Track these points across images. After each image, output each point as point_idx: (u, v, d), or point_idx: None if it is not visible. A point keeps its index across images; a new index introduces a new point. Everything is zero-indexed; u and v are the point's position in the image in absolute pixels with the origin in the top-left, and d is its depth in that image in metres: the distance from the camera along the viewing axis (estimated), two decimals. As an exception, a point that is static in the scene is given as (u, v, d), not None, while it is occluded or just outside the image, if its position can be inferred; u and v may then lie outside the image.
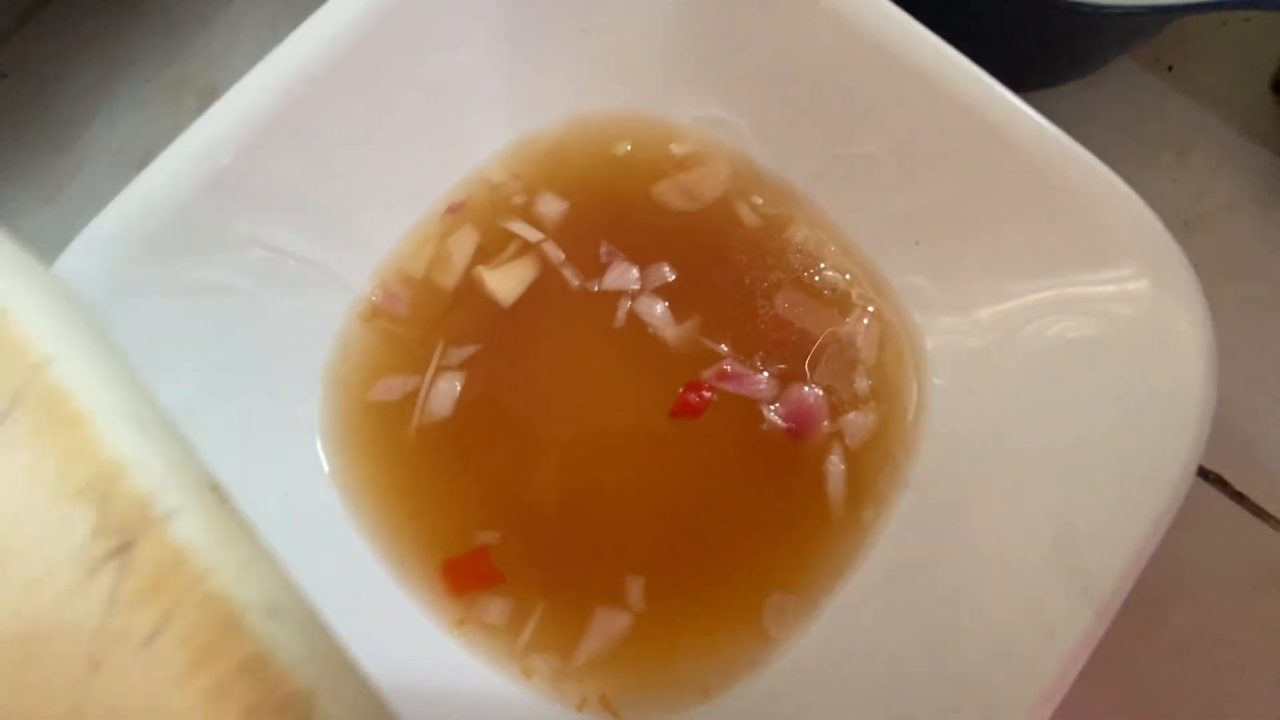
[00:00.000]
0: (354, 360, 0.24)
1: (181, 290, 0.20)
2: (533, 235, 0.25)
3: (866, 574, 0.23)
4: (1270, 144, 0.30)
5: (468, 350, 0.24)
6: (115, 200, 0.19)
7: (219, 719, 0.10)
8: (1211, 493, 0.27)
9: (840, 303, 0.25)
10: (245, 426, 0.22)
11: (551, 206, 0.26)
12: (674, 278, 0.25)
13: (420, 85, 0.23)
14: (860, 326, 0.25)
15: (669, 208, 0.26)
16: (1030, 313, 0.22)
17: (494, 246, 0.25)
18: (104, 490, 0.10)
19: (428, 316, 0.25)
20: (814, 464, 0.24)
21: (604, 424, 0.24)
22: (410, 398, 0.24)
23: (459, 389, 0.24)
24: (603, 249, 0.25)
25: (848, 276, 0.25)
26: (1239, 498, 0.27)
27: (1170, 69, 0.31)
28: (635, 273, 0.25)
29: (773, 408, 0.24)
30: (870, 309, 0.25)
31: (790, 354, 0.24)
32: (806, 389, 0.24)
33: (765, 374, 0.24)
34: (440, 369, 0.24)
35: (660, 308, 0.25)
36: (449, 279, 0.25)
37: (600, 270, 0.25)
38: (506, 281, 0.25)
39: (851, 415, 0.24)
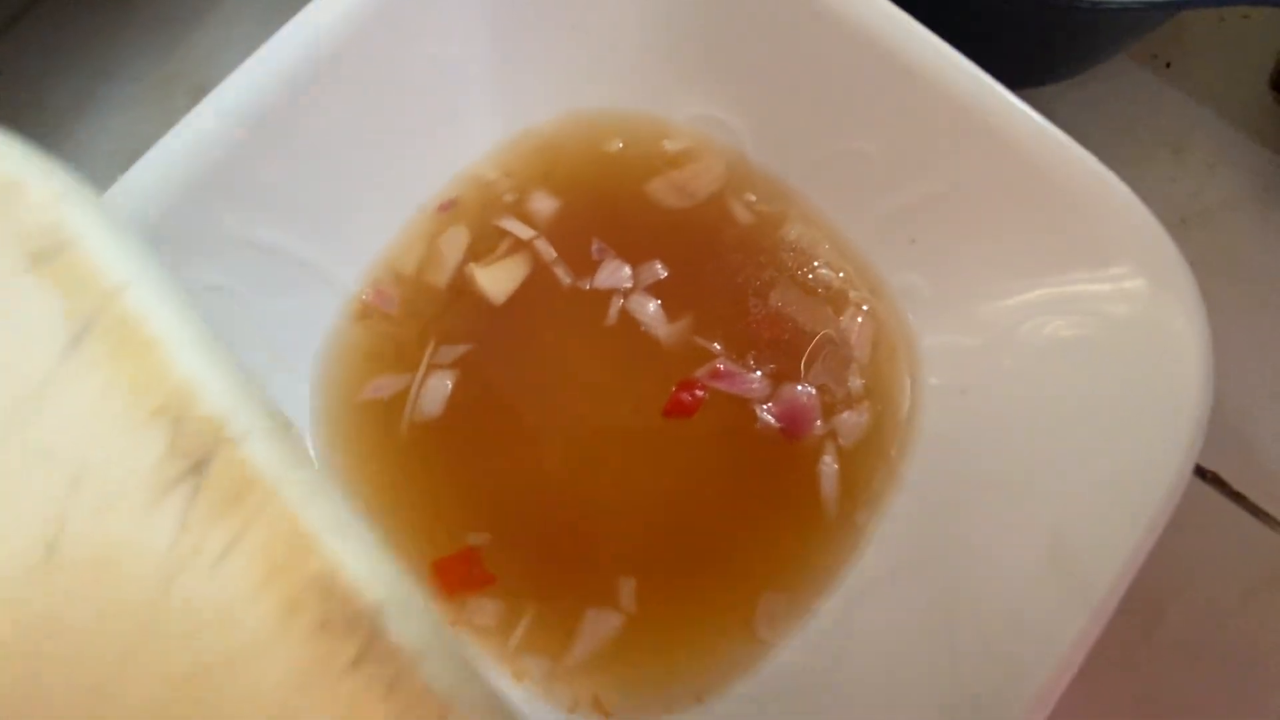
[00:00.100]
0: (345, 359, 0.24)
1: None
2: (525, 233, 0.25)
3: (860, 575, 0.22)
4: (1268, 141, 0.30)
5: (459, 349, 0.24)
6: (102, 198, 0.19)
7: (291, 633, 0.10)
8: (1209, 492, 0.27)
9: (834, 301, 0.25)
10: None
11: (543, 204, 0.25)
12: (666, 275, 0.25)
13: (410, 81, 0.23)
14: (854, 325, 0.25)
15: (662, 205, 0.26)
16: (1026, 311, 0.22)
17: (486, 244, 0.25)
18: (177, 413, 0.11)
19: (419, 315, 0.24)
20: (807, 464, 0.24)
21: (596, 423, 0.24)
22: (401, 397, 0.24)
23: (450, 388, 0.24)
24: (594, 247, 0.25)
25: (842, 275, 0.25)
26: (1237, 497, 0.27)
27: (1168, 66, 0.31)
28: (627, 271, 0.25)
29: (766, 407, 0.24)
30: (864, 307, 0.25)
31: (784, 353, 0.24)
32: (800, 388, 0.24)
33: (758, 373, 0.24)
34: (431, 367, 0.24)
35: (653, 306, 0.25)
36: (440, 277, 0.25)
37: (592, 268, 0.25)
38: (498, 280, 0.25)
39: (845, 414, 0.24)
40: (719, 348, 0.24)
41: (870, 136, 0.23)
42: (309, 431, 0.23)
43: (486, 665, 0.22)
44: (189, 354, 0.11)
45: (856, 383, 0.24)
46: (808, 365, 0.24)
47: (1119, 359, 0.20)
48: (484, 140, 0.26)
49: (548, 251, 0.25)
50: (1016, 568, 0.20)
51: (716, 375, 0.24)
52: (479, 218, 0.25)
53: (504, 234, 0.25)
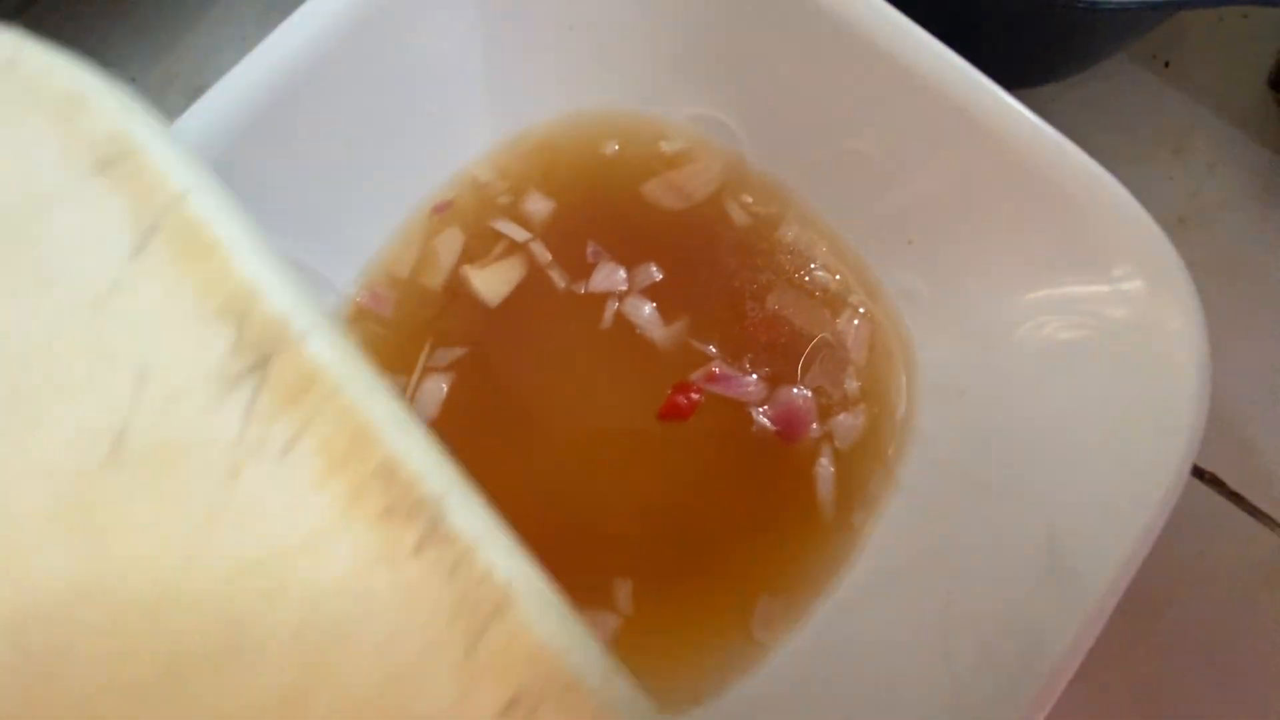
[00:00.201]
0: (340, 362, 0.24)
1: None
2: (520, 235, 0.25)
3: (856, 577, 0.22)
4: (1267, 140, 0.30)
5: (454, 352, 0.24)
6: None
7: (355, 520, 0.10)
8: (1207, 492, 0.26)
9: (831, 303, 0.25)
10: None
11: (538, 206, 0.25)
12: (662, 278, 0.25)
13: (405, 82, 0.23)
14: (851, 327, 0.24)
15: (658, 206, 0.26)
16: (1023, 313, 0.22)
17: (481, 247, 0.25)
18: (241, 311, 0.11)
19: (414, 317, 0.24)
20: (803, 466, 0.23)
21: (591, 426, 0.24)
22: (396, 400, 0.24)
23: (445, 391, 0.24)
24: (590, 249, 0.25)
25: (838, 277, 0.25)
26: (1235, 497, 0.26)
27: (1167, 65, 0.31)
28: (622, 274, 0.25)
29: (761, 410, 0.24)
30: (861, 310, 0.25)
31: (780, 355, 0.24)
32: (796, 391, 0.24)
33: (754, 376, 0.24)
34: (426, 370, 0.24)
35: (648, 309, 0.24)
36: (435, 279, 0.25)
37: (587, 271, 0.25)
38: (493, 282, 0.25)
39: (841, 417, 0.24)
40: (715, 351, 0.24)
41: (867, 137, 0.23)
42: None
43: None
44: (250, 258, 0.11)
45: (853, 385, 0.24)
46: (804, 368, 0.24)
47: (1116, 360, 0.20)
48: (479, 141, 0.26)
49: (543, 254, 0.25)
50: (1014, 570, 0.19)
51: (712, 378, 0.24)
52: (474, 220, 0.25)
53: (499, 236, 0.25)
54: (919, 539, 0.22)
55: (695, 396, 0.24)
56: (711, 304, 0.25)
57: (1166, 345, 0.19)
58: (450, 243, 0.25)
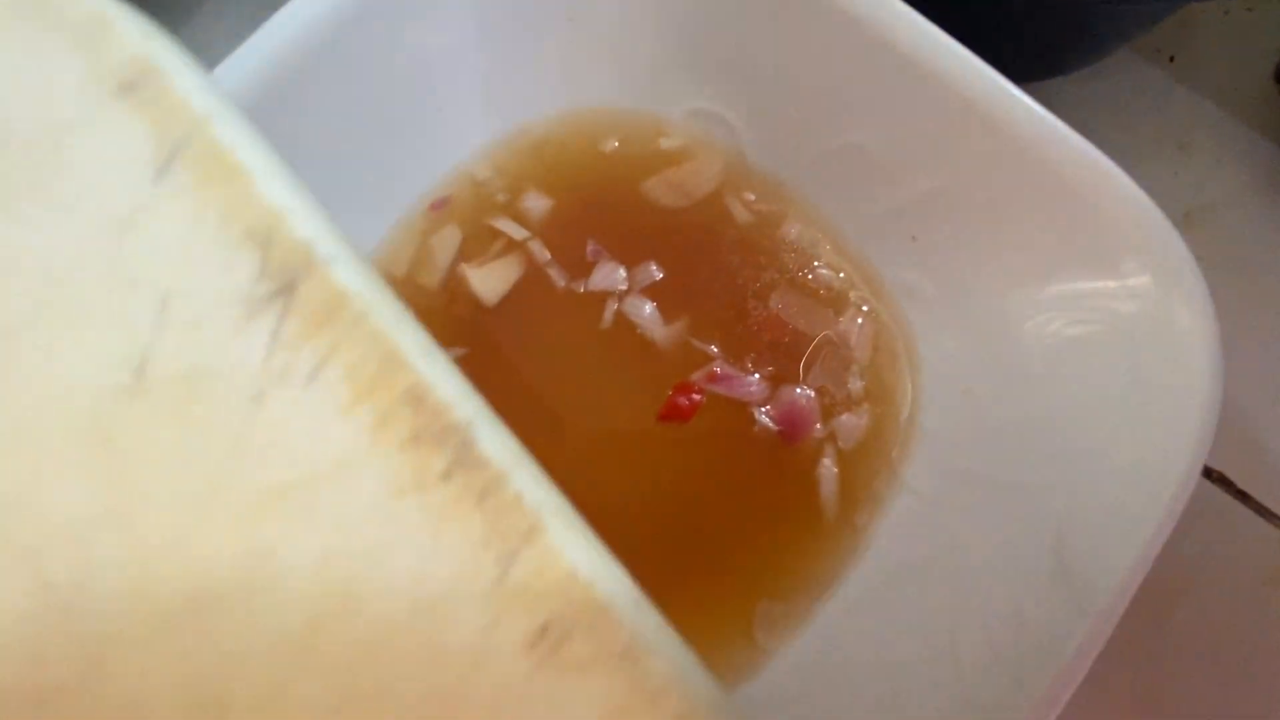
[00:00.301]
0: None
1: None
2: (518, 233, 0.25)
3: (861, 579, 0.22)
4: (1273, 135, 0.30)
5: (451, 351, 0.24)
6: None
7: (383, 446, 0.10)
8: (1214, 491, 0.26)
9: (834, 302, 0.24)
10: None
11: (537, 203, 0.25)
12: (662, 277, 0.24)
13: (400, 77, 0.23)
14: (854, 326, 0.24)
15: (658, 204, 0.25)
16: (1029, 309, 0.21)
17: (478, 245, 0.25)
18: (266, 235, 0.11)
19: (411, 317, 0.24)
20: (806, 467, 0.23)
21: (590, 428, 0.23)
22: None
23: (443, 392, 0.23)
24: (589, 248, 0.25)
25: (842, 275, 0.25)
26: (1243, 497, 0.26)
27: (1172, 60, 0.31)
28: (622, 273, 0.24)
29: (764, 410, 0.24)
30: (865, 308, 0.24)
31: (782, 355, 0.24)
32: (798, 390, 0.24)
33: (756, 375, 0.24)
34: (424, 371, 0.24)
35: (649, 308, 0.24)
36: (432, 278, 0.24)
37: (587, 270, 0.24)
38: (490, 280, 0.24)
39: (844, 417, 0.24)
40: (716, 350, 0.24)
41: (871, 132, 0.23)
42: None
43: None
44: (274, 183, 0.11)
45: (856, 384, 0.24)
46: (807, 367, 0.24)
47: (1125, 357, 0.19)
48: (476, 138, 0.25)
49: (541, 253, 0.25)
50: (1021, 570, 0.19)
51: (714, 378, 0.24)
52: (471, 217, 0.25)
53: (497, 234, 0.25)
54: (924, 539, 0.22)
55: (696, 397, 0.23)
56: (713, 303, 0.24)
57: (1176, 341, 0.18)
58: (448, 241, 0.25)
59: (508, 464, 0.11)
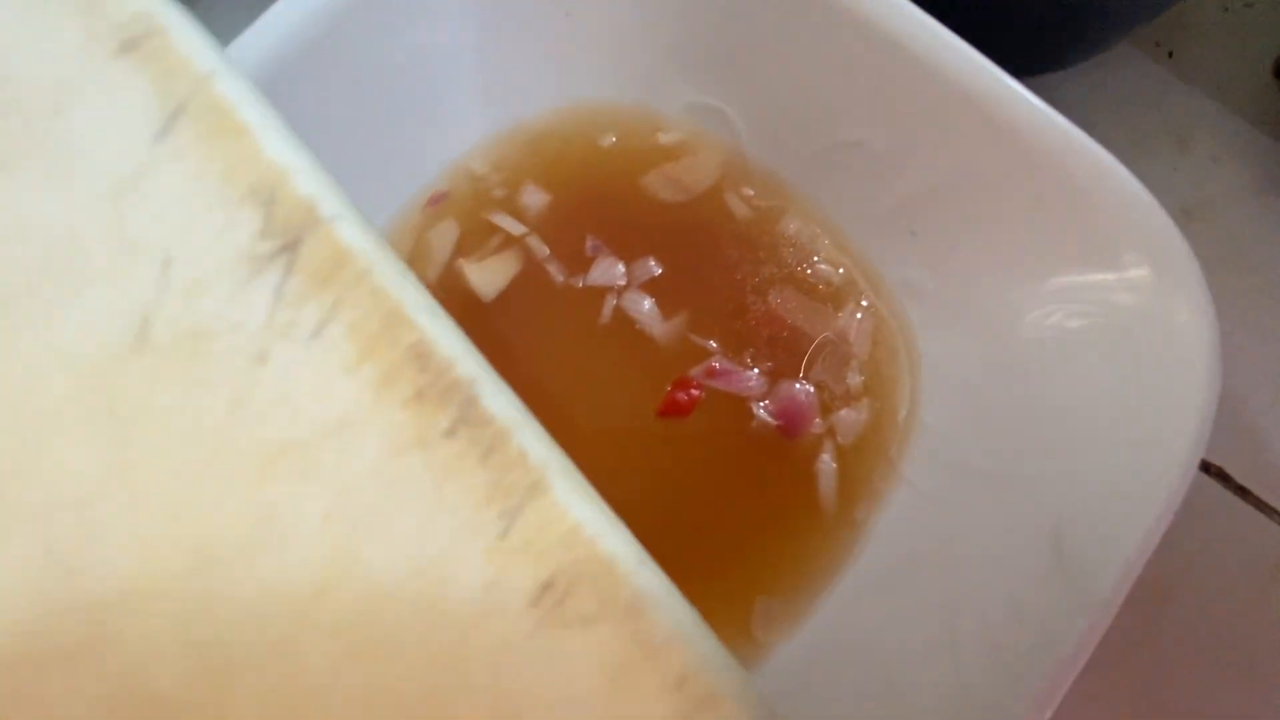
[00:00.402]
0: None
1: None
2: (516, 228, 0.25)
3: (859, 573, 0.22)
4: (1272, 131, 0.30)
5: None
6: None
7: (388, 403, 0.10)
8: (1213, 486, 0.26)
9: (833, 297, 0.24)
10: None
11: (534, 199, 0.25)
12: (661, 272, 0.24)
13: (396, 71, 0.23)
14: (854, 321, 0.24)
15: (656, 200, 0.25)
16: (1028, 303, 0.21)
17: (476, 240, 0.25)
18: (269, 193, 0.11)
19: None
20: (805, 462, 0.23)
21: (589, 424, 0.23)
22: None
23: (441, 387, 0.23)
24: (588, 243, 0.25)
25: (841, 270, 0.25)
26: (1241, 492, 0.26)
27: (1171, 55, 0.31)
28: (621, 268, 0.24)
29: (763, 405, 0.23)
30: (864, 303, 0.24)
31: (782, 350, 0.24)
32: (797, 385, 0.24)
33: (755, 371, 0.24)
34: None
35: (647, 304, 0.24)
36: (429, 273, 0.24)
37: (585, 265, 0.24)
38: (488, 275, 0.24)
39: (844, 412, 0.24)
40: (715, 345, 0.24)
41: (870, 127, 0.23)
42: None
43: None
44: (277, 140, 0.11)
45: (856, 379, 0.24)
46: (806, 362, 0.24)
47: (1123, 350, 0.19)
48: (474, 133, 0.25)
49: (539, 248, 0.25)
50: (1020, 564, 0.19)
51: (713, 373, 0.24)
52: (469, 212, 0.25)
53: (494, 229, 0.25)
54: (923, 534, 0.22)
55: (695, 393, 0.23)
56: (712, 298, 0.24)
57: (1175, 334, 0.18)
58: (445, 236, 0.25)
59: (511, 421, 0.11)
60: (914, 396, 0.24)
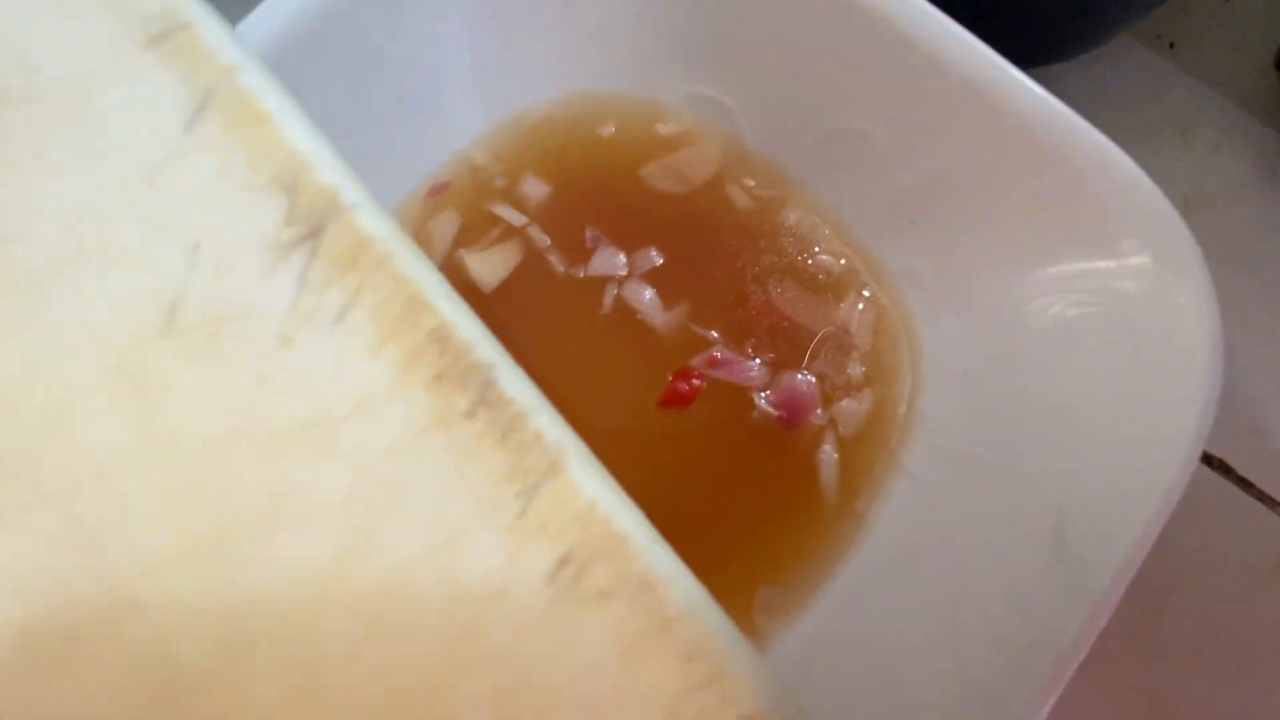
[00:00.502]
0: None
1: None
2: (517, 219, 0.25)
3: (861, 564, 0.22)
4: (1274, 122, 0.30)
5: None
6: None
7: (409, 384, 0.11)
8: (1215, 478, 0.26)
9: (834, 287, 0.24)
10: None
11: (535, 189, 0.25)
12: (662, 262, 0.24)
13: (396, 62, 0.22)
14: (855, 311, 0.24)
15: (656, 190, 0.25)
16: (1029, 291, 0.21)
17: (476, 230, 0.25)
18: (292, 181, 0.11)
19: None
20: (807, 452, 0.23)
21: (590, 414, 0.23)
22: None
23: (441, 378, 0.23)
24: (588, 234, 0.25)
25: (842, 260, 0.25)
26: (1244, 484, 0.26)
27: (1172, 46, 0.31)
28: (622, 258, 0.24)
29: (764, 395, 0.23)
30: (865, 293, 0.24)
31: (783, 340, 0.24)
32: (799, 376, 0.24)
33: (757, 361, 0.24)
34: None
35: (649, 294, 0.24)
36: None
37: (586, 255, 0.24)
38: (488, 265, 0.24)
39: (845, 402, 0.23)
40: (716, 336, 0.24)
41: (871, 116, 0.22)
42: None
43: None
44: (300, 131, 0.12)
45: (857, 369, 0.24)
46: (807, 353, 0.24)
47: (1125, 339, 0.19)
48: (474, 123, 0.25)
49: (540, 238, 0.25)
50: (1021, 555, 0.19)
51: (714, 363, 0.24)
52: (470, 203, 0.25)
53: (495, 219, 0.25)
54: (925, 524, 0.22)
55: (696, 382, 0.23)
56: (713, 289, 0.24)
57: (1177, 321, 0.18)
58: (445, 226, 0.24)
59: (528, 404, 0.11)
60: (915, 387, 0.24)
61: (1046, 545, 0.19)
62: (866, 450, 0.23)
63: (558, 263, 0.24)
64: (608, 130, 0.25)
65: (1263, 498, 0.26)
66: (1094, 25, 0.27)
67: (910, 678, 0.19)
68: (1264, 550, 0.26)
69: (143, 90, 0.11)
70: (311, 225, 0.11)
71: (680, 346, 0.24)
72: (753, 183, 0.25)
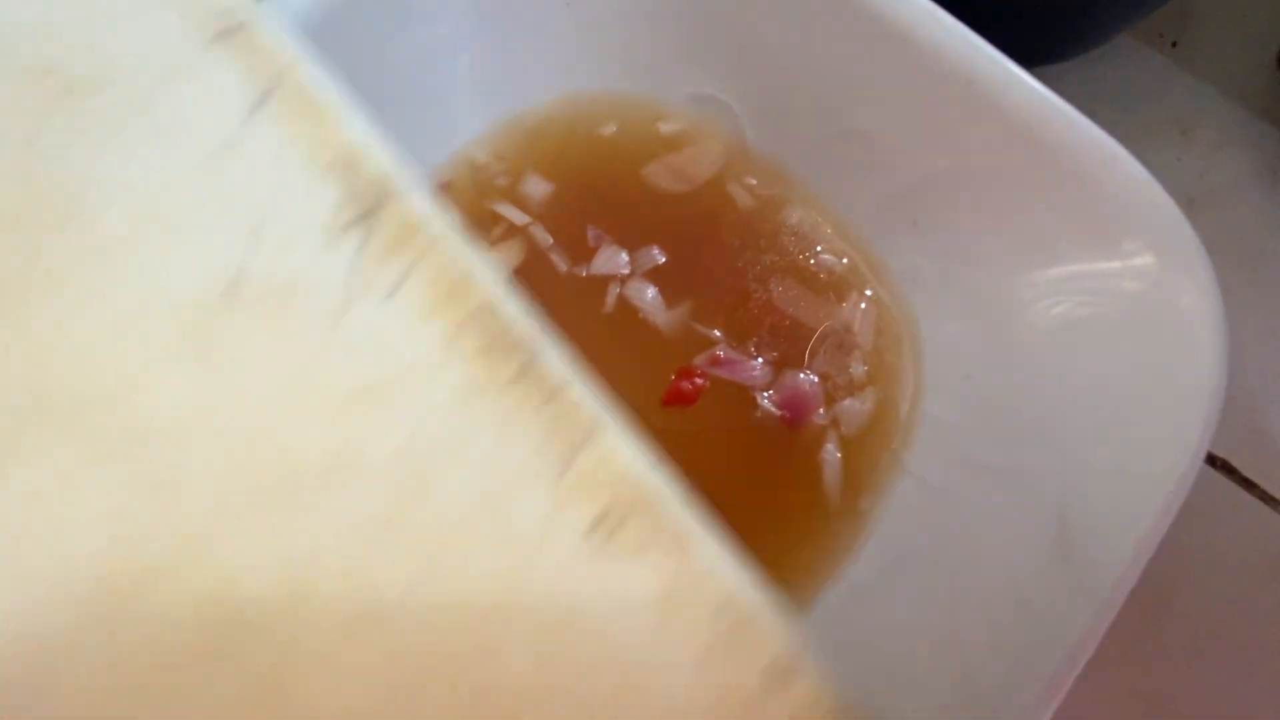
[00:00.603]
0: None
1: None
2: (519, 218, 0.24)
3: (864, 564, 0.22)
4: (1276, 120, 0.30)
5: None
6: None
7: (456, 355, 0.12)
8: (1218, 479, 0.26)
9: (837, 286, 0.24)
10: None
11: (537, 188, 0.25)
12: (665, 261, 0.24)
13: (396, 62, 0.22)
14: (857, 311, 0.24)
15: (658, 189, 0.25)
16: (1031, 291, 0.21)
17: (479, 229, 0.25)
18: (349, 167, 0.12)
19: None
20: (809, 452, 0.23)
21: (592, 412, 0.23)
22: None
23: (443, 378, 0.23)
24: (591, 232, 0.25)
25: (845, 260, 0.24)
26: (1247, 484, 0.26)
27: (1174, 45, 0.31)
28: (625, 257, 0.24)
29: (767, 394, 0.23)
30: (867, 292, 0.24)
31: (785, 339, 0.24)
32: (802, 375, 0.24)
33: (759, 360, 0.24)
34: (424, 357, 0.23)
35: (651, 292, 0.24)
36: (432, 264, 0.24)
37: (589, 254, 0.24)
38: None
39: (847, 402, 0.23)
40: (719, 334, 0.24)
41: (872, 115, 0.22)
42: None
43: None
44: (355, 122, 0.13)
45: (859, 369, 0.24)
46: (809, 352, 0.24)
47: (1129, 338, 0.19)
48: (475, 122, 0.25)
49: (543, 237, 0.24)
50: (1025, 555, 0.19)
51: (716, 362, 0.23)
52: (472, 202, 0.25)
53: (497, 218, 0.25)
54: (927, 524, 0.22)
55: (699, 381, 0.23)
56: (715, 288, 0.24)
57: (1181, 320, 0.18)
58: (448, 226, 0.24)
59: (567, 376, 0.12)
60: (918, 386, 0.23)
61: (1050, 547, 0.19)
62: (869, 450, 0.23)
63: (560, 261, 0.24)
64: (609, 129, 0.25)
65: (1266, 498, 0.26)
66: (1096, 24, 0.27)
67: (913, 678, 0.19)
68: (1266, 551, 0.26)
69: (208, 81, 0.12)
70: (367, 206, 0.12)
71: (683, 345, 0.24)
72: (754, 181, 0.25)
